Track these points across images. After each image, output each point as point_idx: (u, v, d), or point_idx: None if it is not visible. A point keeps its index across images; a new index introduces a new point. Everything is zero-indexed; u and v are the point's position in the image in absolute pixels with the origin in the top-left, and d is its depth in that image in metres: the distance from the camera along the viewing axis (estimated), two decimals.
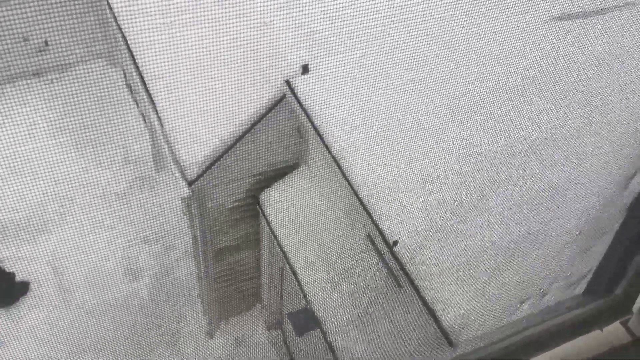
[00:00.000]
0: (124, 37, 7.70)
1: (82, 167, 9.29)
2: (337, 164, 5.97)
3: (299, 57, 6.61)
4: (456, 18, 6.81)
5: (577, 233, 5.62)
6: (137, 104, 9.47)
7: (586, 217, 5.66)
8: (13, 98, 9.81)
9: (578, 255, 5.75)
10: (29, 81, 10.14)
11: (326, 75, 6.61)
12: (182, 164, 6.97)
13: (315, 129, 6.22)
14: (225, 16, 7.10)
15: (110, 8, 8.13)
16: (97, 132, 9.39)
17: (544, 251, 5.66)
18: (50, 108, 9.90)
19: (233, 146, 6.78)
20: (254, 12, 7.10)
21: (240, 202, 7.52)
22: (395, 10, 6.93)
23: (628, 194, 5.71)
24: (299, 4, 7.24)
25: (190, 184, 6.90)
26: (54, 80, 10.19)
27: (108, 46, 9.84)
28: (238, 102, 6.71)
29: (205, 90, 6.86)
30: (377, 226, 5.55)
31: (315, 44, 6.73)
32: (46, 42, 10.09)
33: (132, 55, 7.68)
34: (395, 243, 5.35)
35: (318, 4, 7.13)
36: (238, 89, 6.71)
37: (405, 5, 6.96)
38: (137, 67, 7.59)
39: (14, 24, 9.69)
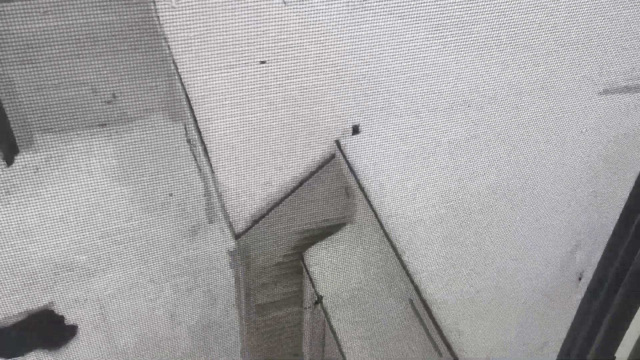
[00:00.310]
0: (186, 94, 8.05)
1: (137, 215, 9.58)
2: (382, 227, 5.98)
3: (351, 117, 6.76)
4: (515, 86, 6.86)
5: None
6: (194, 157, 9.79)
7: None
8: (77, 145, 10.31)
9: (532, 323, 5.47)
10: (93, 130, 10.66)
11: (376, 137, 6.71)
12: (230, 217, 7.12)
13: (362, 190, 6.28)
14: (280, 75, 7.38)
15: (177, 68, 8.54)
16: (154, 182, 9.71)
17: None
18: (112, 157, 10.34)
19: (281, 202, 6.90)
20: (307, 71, 7.34)
21: (285, 259, 7.58)
22: (448, 77, 7.04)
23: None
24: (354, 65, 7.45)
25: (237, 237, 7.03)
26: (118, 131, 10.69)
27: (172, 101, 10.28)
28: (288, 159, 6.87)
29: (258, 146, 7.06)
30: (418, 292, 5.49)
31: (368, 105, 6.87)
32: (114, 95, 10.66)
33: (192, 112, 8.00)
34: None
35: (374, 67, 7.32)
36: (289, 146, 6.88)
37: (459, 73, 7.07)
38: (196, 123, 7.90)
39: (86, 76, 10.31)
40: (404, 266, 5.77)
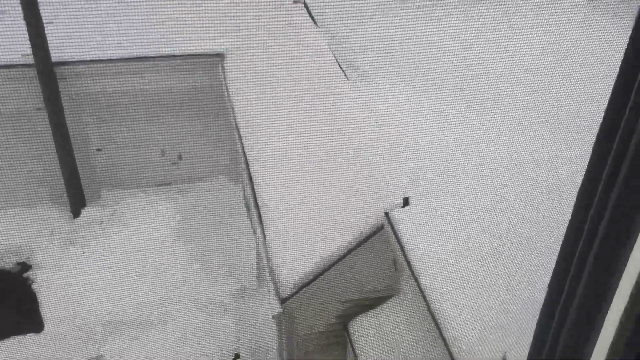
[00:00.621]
0: (246, 161, 8.35)
1: (191, 272, 9.81)
2: (426, 302, 5.92)
3: (401, 189, 6.82)
4: (563, 156, 6.79)
5: None
6: (250, 220, 10.03)
7: None
8: (141, 202, 10.76)
9: None
10: (158, 188, 11.12)
11: (427, 211, 6.73)
12: (277, 282, 7.21)
13: (409, 264, 6.27)
14: (333, 145, 7.57)
15: (239, 134, 8.88)
16: (209, 241, 9.97)
17: None
18: (173, 215, 10.71)
19: (328, 270, 6.95)
20: (360, 142, 7.51)
21: (329, 327, 7.55)
22: (500, 155, 7.05)
23: None
24: (409, 138, 7.57)
25: (282, 301, 7.08)
26: (181, 191, 11.11)
27: (233, 166, 10.66)
28: (337, 227, 6.96)
29: (308, 213, 7.20)
30: None
31: (420, 179, 6.93)
32: (180, 156, 11.16)
33: (250, 177, 8.27)
34: None
35: (427, 139, 7.42)
36: (338, 215, 6.98)
37: (509, 152, 7.07)
38: (252, 188, 8.15)
39: (156, 137, 10.86)
40: (446, 344, 5.66)
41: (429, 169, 6.96)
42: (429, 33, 9.05)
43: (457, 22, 9.72)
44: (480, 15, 9.82)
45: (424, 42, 8.58)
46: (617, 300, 1.08)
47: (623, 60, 1.01)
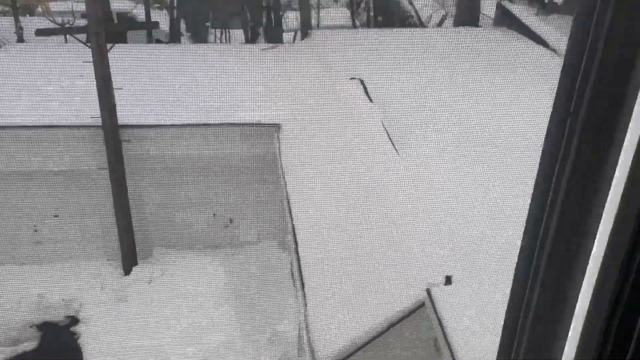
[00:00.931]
0: (293, 229, 8.47)
1: (234, 336, 9.83)
2: None
3: (445, 267, 6.76)
4: None
5: None
6: (294, 288, 10.06)
7: None
8: (191, 262, 10.98)
9: None
10: (207, 251, 11.35)
11: (469, 292, 6.62)
12: (317, 352, 7.15)
13: (448, 344, 6.14)
14: (378, 219, 7.62)
15: (289, 203, 9.04)
16: (253, 306, 10.02)
17: None
18: (221, 277, 10.86)
19: (366, 344, 6.86)
20: (406, 218, 7.52)
21: None
22: None
23: None
24: (453, 218, 7.54)
25: None
26: (229, 254, 11.30)
27: (281, 233, 10.80)
28: (377, 302, 6.91)
29: (350, 285, 7.19)
30: None
31: (462, 259, 6.86)
32: (231, 220, 11.40)
33: (296, 245, 8.36)
34: None
35: (473, 220, 7.37)
36: (380, 289, 6.95)
37: None
38: (298, 256, 8.23)
39: (210, 202, 11.16)
40: None
41: (473, 245, 6.89)
42: (476, 110, 9.14)
43: (503, 99, 9.80)
44: (529, 96, 9.87)
45: (470, 118, 8.66)
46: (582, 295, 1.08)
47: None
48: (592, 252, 1.03)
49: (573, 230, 1.08)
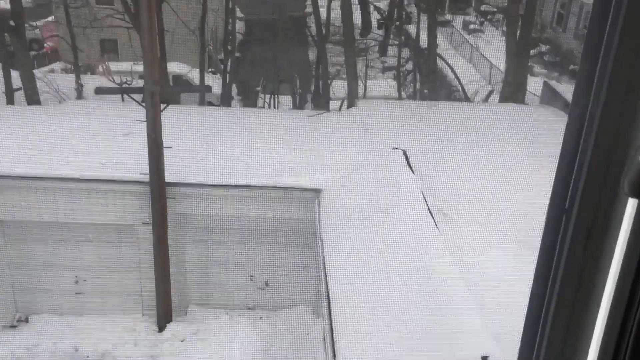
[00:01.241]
0: (328, 296, 8.44)
1: None
2: None
3: (481, 347, 6.61)
4: None
5: None
6: (326, 355, 9.91)
7: None
8: (225, 323, 10.97)
9: None
10: (242, 311, 11.34)
11: None
12: None
13: None
14: (420, 292, 7.53)
15: (325, 269, 9.05)
16: None
17: None
18: (254, 339, 10.80)
19: None
20: (445, 290, 7.42)
21: None
22: None
23: None
24: (493, 294, 7.41)
25: None
26: (263, 317, 11.26)
27: (316, 299, 10.75)
28: None
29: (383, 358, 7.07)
30: None
31: (496, 337, 6.70)
32: (267, 283, 11.43)
33: (329, 313, 8.31)
34: None
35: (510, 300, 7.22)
36: None
37: None
38: (330, 323, 8.16)
39: (247, 263, 11.25)
40: None
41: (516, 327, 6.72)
42: (520, 191, 9.08)
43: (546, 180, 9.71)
44: None
45: (511, 196, 8.61)
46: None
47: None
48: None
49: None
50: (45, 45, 25.66)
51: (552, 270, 1.14)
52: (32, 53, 22.39)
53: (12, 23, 15.26)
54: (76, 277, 11.23)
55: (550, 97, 15.10)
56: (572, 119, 1.08)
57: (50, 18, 26.04)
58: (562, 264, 1.13)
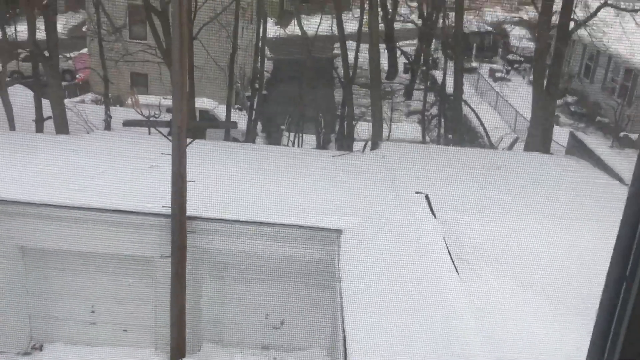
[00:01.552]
0: (344, 338, 8.30)
1: None
2: None
3: None
4: None
5: None
6: None
7: None
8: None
9: None
10: (256, 351, 11.19)
11: None
12: None
13: None
14: (435, 333, 7.37)
15: (342, 310, 8.92)
16: None
17: None
18: None
19: None
20: (461, 318, 7.25)
21: None
22: None
23: None
24: (511, 336, 7.23)
25: None
26: (277, 357, 11.09)
27: (332, 340, 10.57)
28: None
29: None
30: None
31: None
32: (282, 322, 11.29)
33: (345, 356, 8.15)
34: None
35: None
36: None
37: None
38: None
39: (263, 301, 11.14)
40: None
41: None
42: (543, 239, 8.94)
43: (569, 230, 9.57)
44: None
45: (535, 246, 8.47)
46: None
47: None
48: None
49: None
50: (77, 76, 26.27)
51: (611, 335, 1.10)
52: (64, 83, 22.91)
53: (46, 53, 15.64)
54: (92, 307, 11.21)
55: (576, 147, 14.97)
56: (633, 190, 1.06)
57: (84, 50, 26.73)
58: (622, 329, 1.09)
